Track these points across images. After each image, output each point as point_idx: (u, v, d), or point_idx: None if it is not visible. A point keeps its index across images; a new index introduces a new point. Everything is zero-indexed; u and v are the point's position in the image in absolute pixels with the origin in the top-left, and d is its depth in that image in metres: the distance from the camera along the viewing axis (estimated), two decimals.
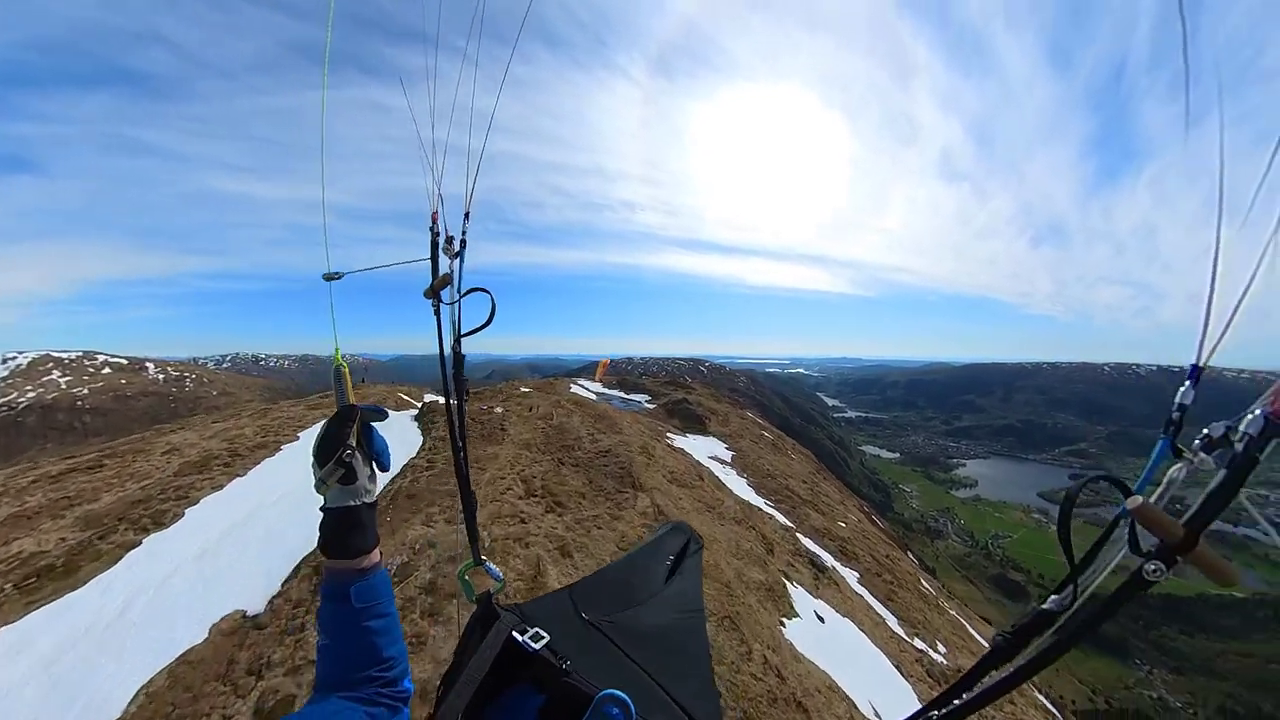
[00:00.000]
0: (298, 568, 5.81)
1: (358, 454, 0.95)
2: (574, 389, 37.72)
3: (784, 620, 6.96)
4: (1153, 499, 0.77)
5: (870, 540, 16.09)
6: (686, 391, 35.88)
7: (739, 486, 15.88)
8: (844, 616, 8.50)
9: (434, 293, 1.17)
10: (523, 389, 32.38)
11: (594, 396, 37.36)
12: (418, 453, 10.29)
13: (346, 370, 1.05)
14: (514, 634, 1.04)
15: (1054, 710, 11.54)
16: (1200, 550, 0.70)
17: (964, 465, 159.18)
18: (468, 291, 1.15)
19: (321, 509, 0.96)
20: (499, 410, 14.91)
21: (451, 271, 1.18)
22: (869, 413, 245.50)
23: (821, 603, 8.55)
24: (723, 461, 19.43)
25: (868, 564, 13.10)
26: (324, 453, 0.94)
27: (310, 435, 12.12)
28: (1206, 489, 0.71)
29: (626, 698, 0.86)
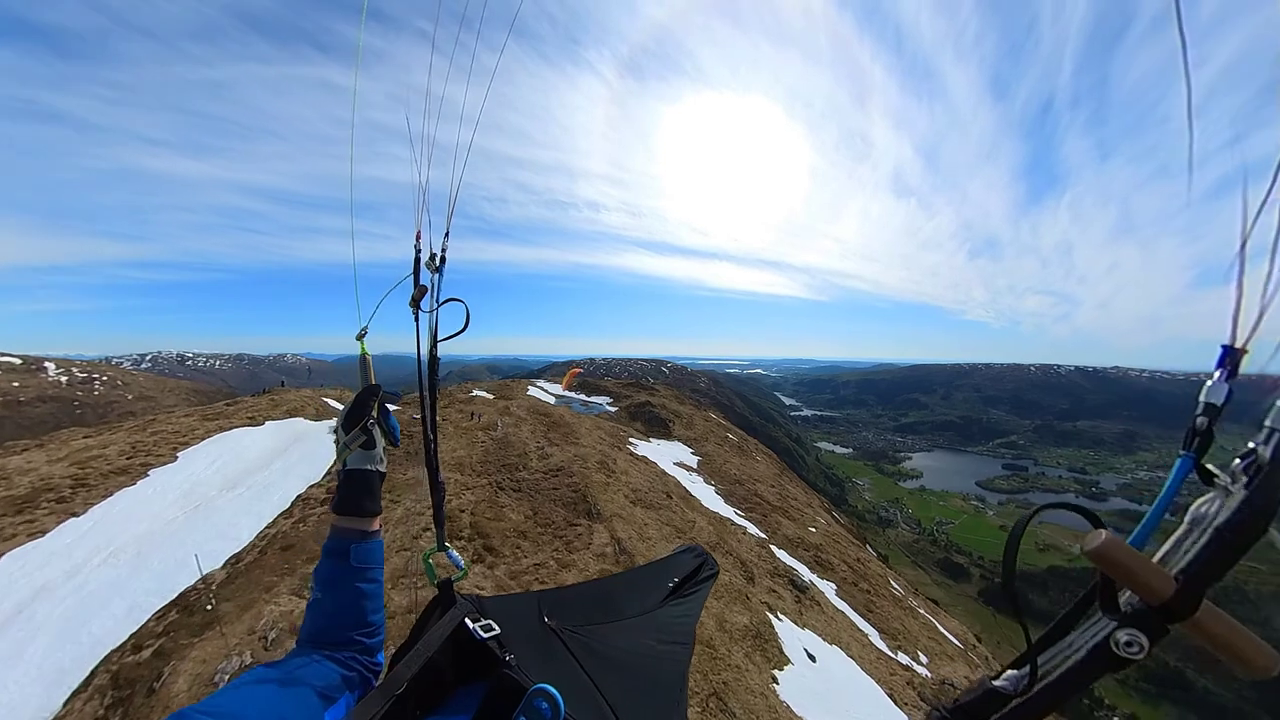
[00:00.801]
0: (92, 675, 3.92)
1: (378, 426, 1.08)
2: (532, 391, 35.65)
3: (775, 674, 5.76)
4: (1167, 547, 0.54)
5: (840, 543, 15.34)
6: (650, 394, 34.57)
7: (708, 496, 14.66)
8: (832, 644, 7.93)
9: (414, 303, 1.21)
10: (474, 392, 30.09)
11: (553, 400, 35.45)
12: (322, 476, 8.30)
13: (369, 357, 1.18)
14: (466, 620, 1.04)
15: None
16: (1204, 618, 0.50)
17: (910, 458, 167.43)
18: (444, 301, 1.21)
19: (340, 471, 1.06)
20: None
21: (431, 284, 1.23)
22: (823, 411, 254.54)
23: (809, 634, 7.73)
24: (689, 468, 18.22)
25: (843, 573, 12.23)
26: (351, 420, 1.06)
27: (194, 453, 9.85)
28: (1210, 521, 0.51)
29: (557, 694, 0.83)
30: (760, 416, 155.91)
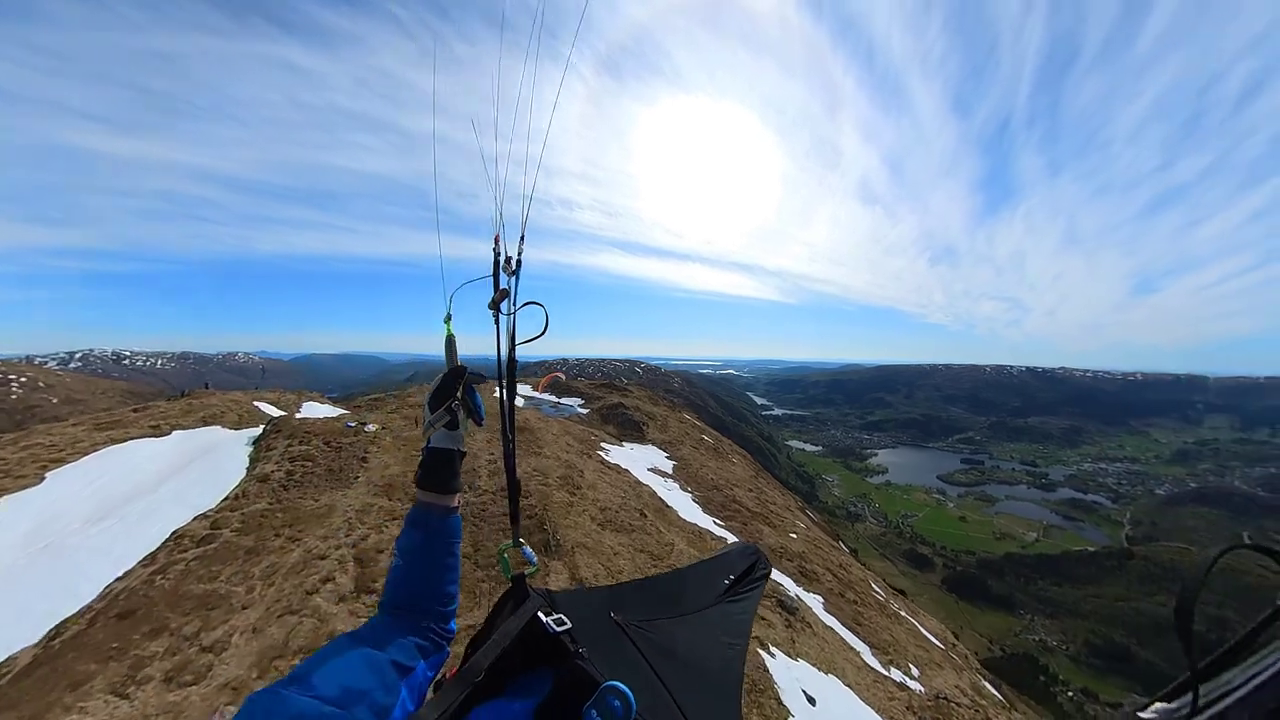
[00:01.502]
0: None
1: (461, 407, 1.11)
2: (499, 392, 33.91)
3: None
4: None
5: (821, 549, 14.57)
6: (623, 395, 33.40)
7: (685, 505, 13.61)
8: (827, 673, 7.17)
9: (495, 305, 1.25)
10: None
11: (521, 402, 33.81)
12: (219, 502, 6.69)
13: (454, 338, 1.18)
14: (539, 614, 1.07)
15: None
16: None
17: (876, 455, 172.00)
18: (524, 304, 1.24)
19: (425, 448, 1.10)
20: (372, 427, 11.32)
21: (509, 287, 1.26)
22: (794, 410, 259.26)
23: (803, 665, 7.02)
24: (664, 474, 17.14)
25: (828, 583, 11.40)
26: (437, 400, 1.10)
27: (66, 473, 8.03)
28: None
29: (629, 692, 0.85)
30: (733, 416, 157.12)
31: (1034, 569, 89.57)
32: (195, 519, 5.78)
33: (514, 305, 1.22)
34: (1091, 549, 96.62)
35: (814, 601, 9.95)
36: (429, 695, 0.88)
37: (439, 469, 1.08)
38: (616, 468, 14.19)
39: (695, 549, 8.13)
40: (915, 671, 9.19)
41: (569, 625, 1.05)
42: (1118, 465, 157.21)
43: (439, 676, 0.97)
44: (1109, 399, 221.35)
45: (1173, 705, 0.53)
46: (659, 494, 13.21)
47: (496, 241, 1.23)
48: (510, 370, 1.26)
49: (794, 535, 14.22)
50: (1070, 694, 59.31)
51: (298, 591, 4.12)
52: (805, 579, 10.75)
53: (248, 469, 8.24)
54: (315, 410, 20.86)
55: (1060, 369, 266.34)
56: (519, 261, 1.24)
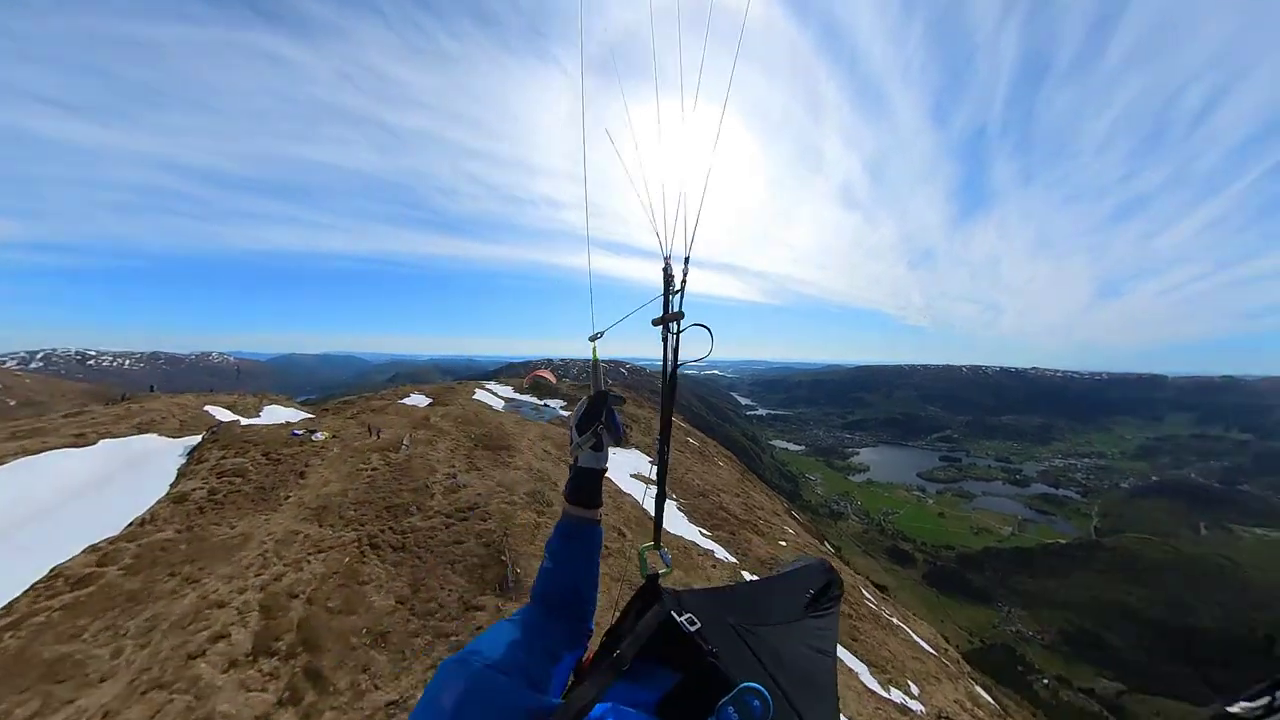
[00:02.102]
0: None
1: (605, 430, 1.19)
2: (479, 395, 32.65)
3: None
4: None
5: (812, 555, 14.00)
6: None
7: (670, 514, 12.84)
8: None
9: (663, 323, 1.29)
10: (407, 398, 26.87)
11: (501, 404, 32.63)
12: (125, 528, 5.59)
13: (600, 361, 1.24)
14: (673, 613, 1.12)
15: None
16: None
17: (858, 453, 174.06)
18: (689, 325, 1.27)
19: (573, 466, 1.20)
20: (320, 436, 10.22)
21: (679, 308, 1.29)
22: (777, 410, 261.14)
23: None
24: (648, 480, 16.39)
25: None
26: (585, 423, 1.18)
27: None
28: None
29: (767, 693, 0.85)
30: (717, 416, 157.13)
31: (1010, 562, 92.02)
32: (83, 552, 4.76)
33: (679, 327, 1.24)
34: (1063, 541, 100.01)
35: None
36: (569, 681, 1.00)
37: (587, 487, 1.18)
38: None
39: (681, 569, 7.34)
40: (915, 690, 8.64)
41: (699, 625, 1.10)
42: (1086, 461, 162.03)
43: (578, 664, 1.07)
44: (1077, 397, 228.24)
45: (1255, 705, 0.64)
46: (642, 504, 12.42)
47: (667, 263, 1.26)
48: (671, 388, 1.29)
49: (783, 543, 13.57)
50: (1045, 681, 60.59)
51: (177, 655, 3.19)
52: None
53: (171, 485, 7.13)
54: (277, 414, 19.41)
55: (1032, 369, 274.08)
56: (684, 281, 1.26)
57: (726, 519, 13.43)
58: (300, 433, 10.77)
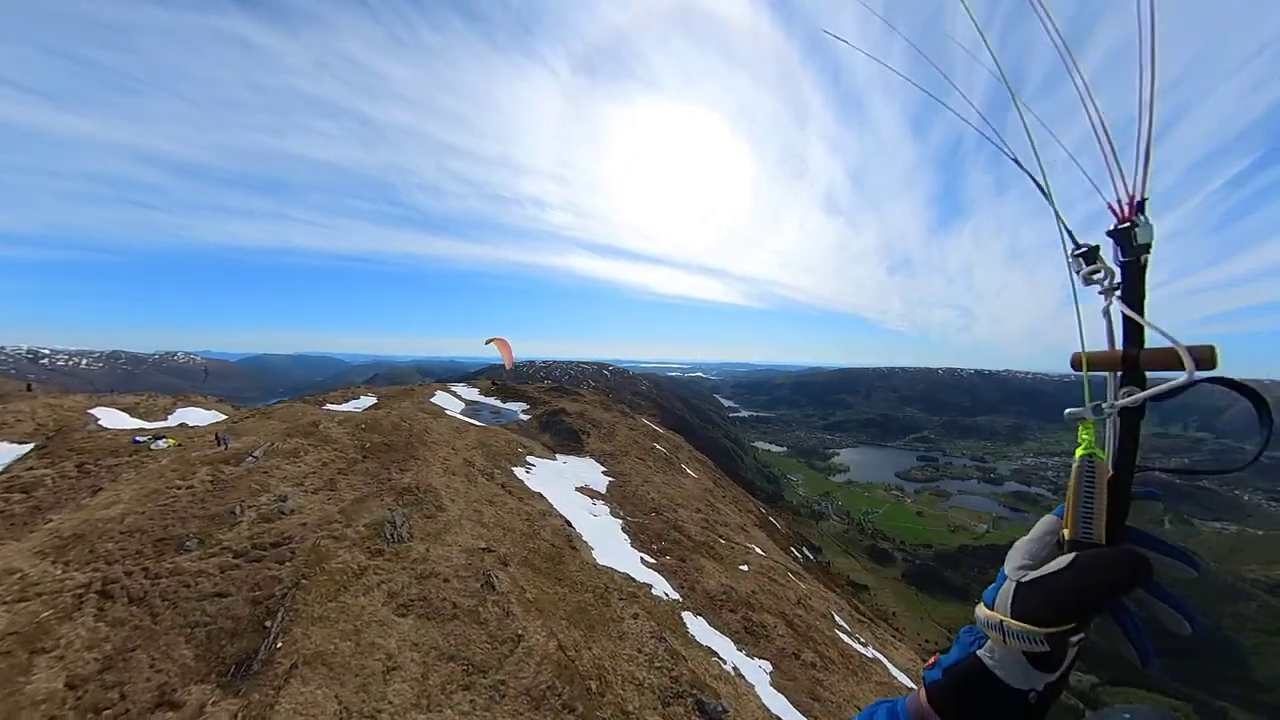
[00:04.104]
0: None
1: (1109, 633, 0.59)
2: (440, 396, 30.13)
3: None
4: None
5: (778, 582, 11.96)
6: (573, 400, 30.29)
7: (609, 537, 10.71)
8: None
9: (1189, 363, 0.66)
10: (355, 400, 24.42)
11: (460, 406, 30.14)
12: None
13: (1105, 464, 0.63)
14: None
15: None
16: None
17: (838, 454, 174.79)
18: (1172, 386, 0.64)
19: (973, 653, 0.63)
20: (162, 444, 8.19)
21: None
22: (760, 411, 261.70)
23: None
24: (595, 494, 14.23)
25: (781, 639, 8.68)
26: (1049, 611, 0.55)
27: None
28: None
29: None
30: (700, 418, 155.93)
31: (986, 559, 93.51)
32: None
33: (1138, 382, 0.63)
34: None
35: (759, 673, 7.23)
36: None
37: (974, 703, 0.58)
38: (524, 492, 11.20)
39: (567, 635, 5.19)
40: None
41: None
42: (1056, 459, 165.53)
43: None
44: (1048, 398, 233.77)
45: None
46: (575, 525, 10.27)
47: (1124, 216, 0.67)
48: (1121, 491, 0.63)
49: (745, 567, 11.55)
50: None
51: None
52: (751, 638, 8.05)
53: None
54: (194, 416, 16.99)
55: (1005, 371, 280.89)
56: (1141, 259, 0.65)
57: (679, 541, 11.38)
58: (142, 439, 9.46)
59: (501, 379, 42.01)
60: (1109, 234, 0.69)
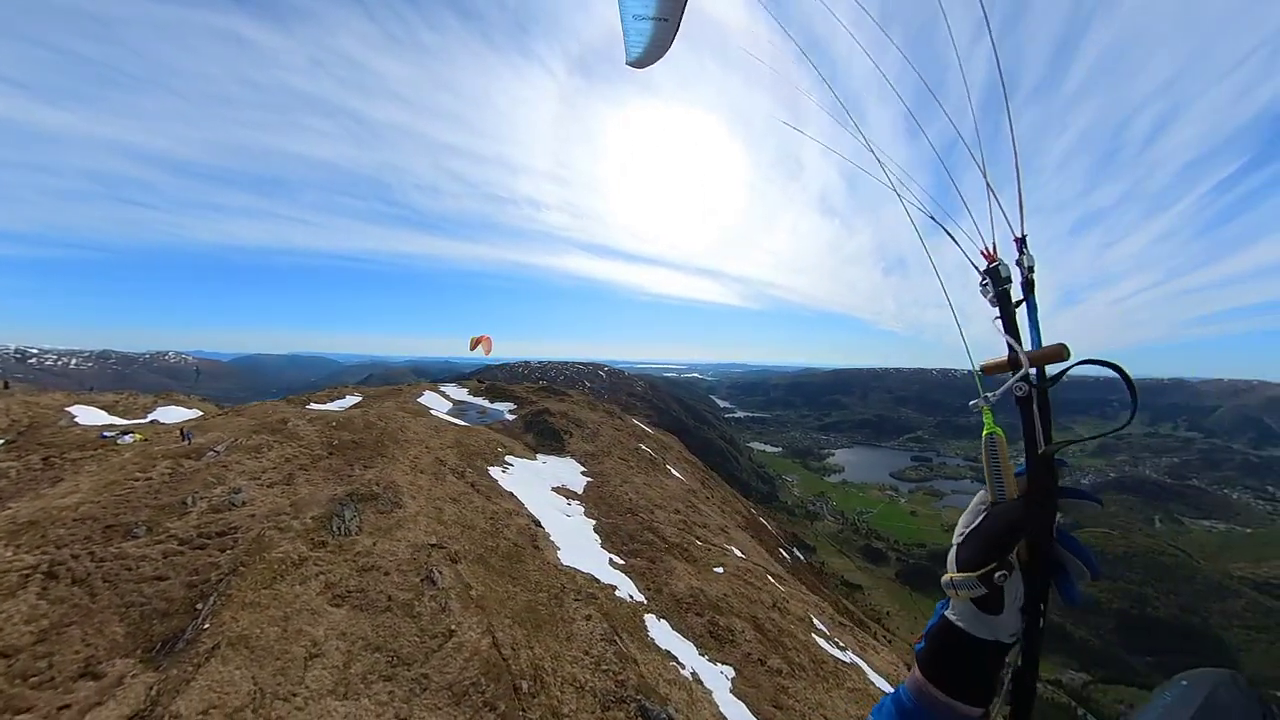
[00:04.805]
0: None
1: (1017, 578, 0.71)
2: (426, 397, 29.96)
3: None
4: None
5: (753, 584, 11.84)
6: (559, 400, 30.15)
7: (579, 537, 10.57)
8: None
9: (1032, 365, 0.86)
10: (340, 400, 24.27)
11: (448, 406, 29.94)
12: None
13: (1003, 438, 0.80)
14: None
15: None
16: None
17: (833, 454, 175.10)
18: (1054, 378, 0.84)
19: (932, 623, 0.76)
20: (129, 439, 8.20)
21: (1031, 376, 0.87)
22: (755, 412, 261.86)
23: None
24: (570, 494, 14.09)
25: (748, 644, 8.55)
26: (975, 555, 0.71)
27: None
28: None
29: None
30: (695, 419, 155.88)
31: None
32: None
33: (1039, 375, 0.81)
34: None
35: (720, 679, 7.10)
36: None
37: (951, 659, 0.70)
38: (494, 491, 11.07)
39: (507, 633, 5.06)
40: None
41: None
42: None
43: None
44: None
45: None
46: (544, 525, 10.14)
47: (990, 259, 0.91)
48: (1045, 488, 0.77)
49: (720, 570, 11.43)
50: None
51: None
52: (715, 641, 7.92)
53: None
54: (174, 415, 16.88)
55: None
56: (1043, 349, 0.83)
57: (652, 542, 11.26)
58: (110, 434, 9.60)
59: (490, 379, 41.75)
60: (982, 272, 0.89)
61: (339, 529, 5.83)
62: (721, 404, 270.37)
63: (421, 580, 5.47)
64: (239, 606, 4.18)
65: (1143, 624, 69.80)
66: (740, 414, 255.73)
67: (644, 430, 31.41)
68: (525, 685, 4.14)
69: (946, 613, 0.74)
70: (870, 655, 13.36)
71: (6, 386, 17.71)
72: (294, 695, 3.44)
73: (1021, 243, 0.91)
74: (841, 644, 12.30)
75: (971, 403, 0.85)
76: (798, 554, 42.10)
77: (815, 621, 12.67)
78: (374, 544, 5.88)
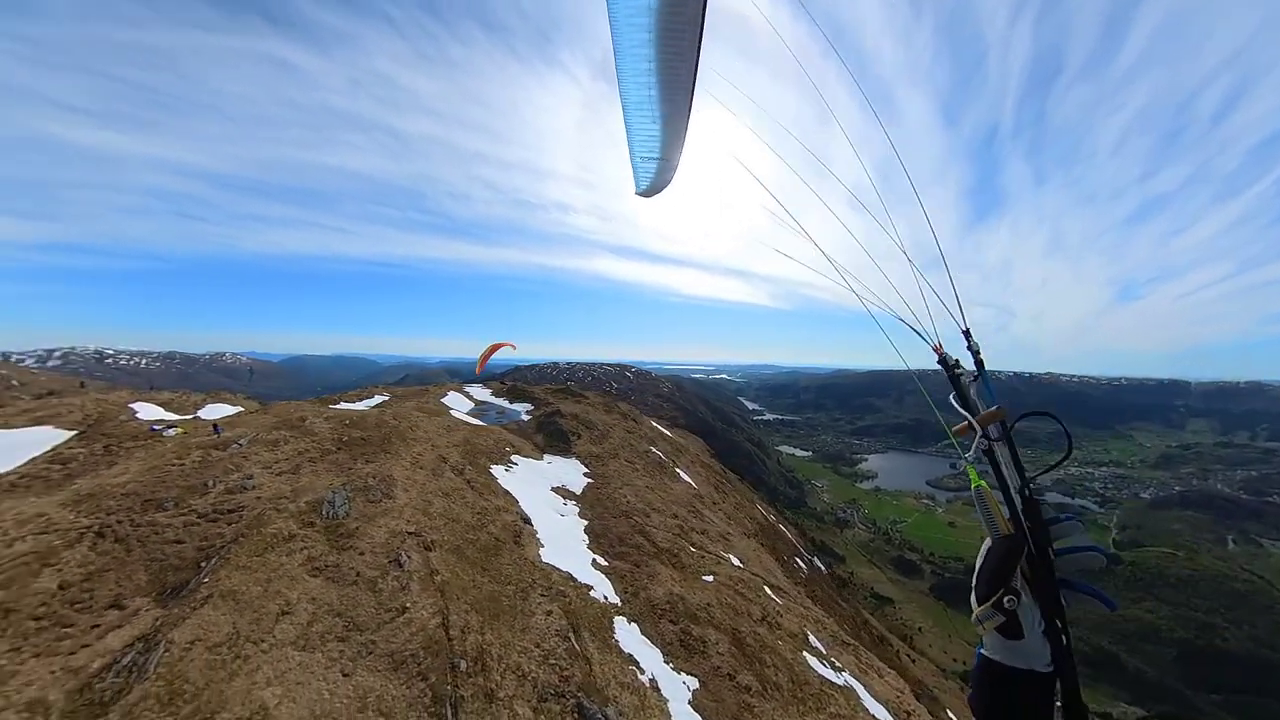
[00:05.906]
0: None
1: (1028, 602, 0.83)
2: (449, 397, 31.22)
3: None
4: None
5: (745, 596, 11.73)
6: (575, 401, 30.71)
7: (567, 537, 10.87)
8: None
9: (975, 431, 1.07)
10: (365, 399, 25.60)
11: (469, 406, 31.08)
12: None
13: (987, 489, 0.95)
14: None
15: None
16: None
17: (866, 460, 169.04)
18: (1020, 418, 1.06)
19: (980, 653, 0.91)
20: (173, 432, 9.28)
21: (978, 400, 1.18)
22: (785, 415, 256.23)
23: None
24: (569, 494, 14.45)
25: (719, 657, 8.49)
26: (984, 587, 0.89)
27: None
28: None
29: None
30: (722, 421, 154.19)
31: None
32: None
33: (1001, 428, 1.00)
34: None
35: (681, 689, 7.16)
36: None
37: (997, 698, 0.78)
38: (489, 489, 11.55)
39: (461, 618, 5.39)
40: None
41: None
42: (1103, 470, 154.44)
43: None
44: (1094, 404, 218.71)
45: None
46: (533, 523, 10.53)
47: (940, 352, 1.09)
48: (1024, 510, 0.96)
49: (708, 578, 11.47)
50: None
51: None
52: (685, 652, 8.00)
53: None
54: (221, 411, 18.41)
55: (1046, 374, 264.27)
56: (979, 361, 1.04)
57: (640, 546, 11.44)
58: (158, 428, 11.00)
59: (517, 380, 42.91)
60: (938, 361, 1.02)
61: (328, 513, 6.53)
62: (750, 406, 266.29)
63: (389, 562, 6.02)
64: (233, 568, 5.17)
65: (1209, 656, 63.63)
66: (769, 416, 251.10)
67: (661, 432, 31.53)
68: (464, 665, 4.57)
69: (982, 650, 0.84)
70: (871, 678, 12.83)
71: (83, 386, 19.83)
72: (262, 640, 4.40)
73: (967, 334, 1.09)
74: (838, 665, 11.87)
75: (954, 465, 0.93)
76: (818, 564, 40.95)
77: (811, 638, 12.35)
78: (357, 528, 6.53)
